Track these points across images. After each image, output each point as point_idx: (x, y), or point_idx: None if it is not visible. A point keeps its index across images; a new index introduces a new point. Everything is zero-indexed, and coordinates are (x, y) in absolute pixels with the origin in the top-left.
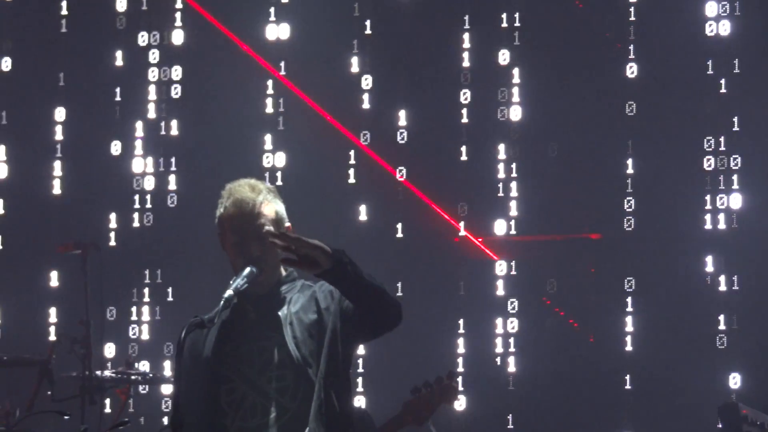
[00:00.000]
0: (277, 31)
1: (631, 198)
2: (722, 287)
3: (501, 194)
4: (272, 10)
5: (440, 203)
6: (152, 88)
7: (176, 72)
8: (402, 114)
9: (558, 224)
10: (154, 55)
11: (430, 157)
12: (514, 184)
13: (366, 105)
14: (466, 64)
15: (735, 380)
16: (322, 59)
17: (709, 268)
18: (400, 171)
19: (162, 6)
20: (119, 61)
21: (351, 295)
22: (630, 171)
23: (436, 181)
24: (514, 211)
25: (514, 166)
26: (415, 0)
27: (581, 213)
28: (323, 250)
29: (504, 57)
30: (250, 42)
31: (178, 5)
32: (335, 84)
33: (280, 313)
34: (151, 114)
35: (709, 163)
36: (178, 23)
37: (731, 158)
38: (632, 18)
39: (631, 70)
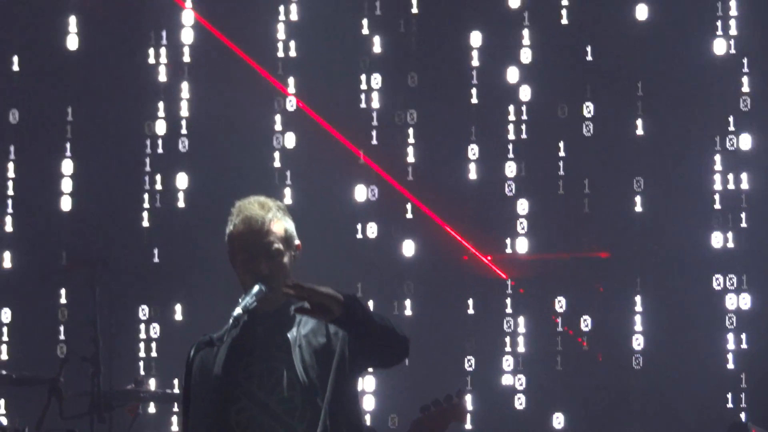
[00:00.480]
0: (286, 48)
1: (640, 215)
2: (731, 305)
3: (510, 212)
4: (281, 26)
5: (449, 221)
6: (161, 105)
7: (184, 88)
8: (410, 131)
9: (566, 243)
10: (161, 72)
11: (439, 174)
12: (522, 202)
13: (375, 122)
14: (474, 81)
15: (744, 400)
16: (330, 76)
17: (719, 286)
18: (410, 179)
19: (170, 22)
20: (127, 77)
21: (360, 338)
22: (639, 189)
23: (445, 199)
24: (522, 230)
25: (523, 184)
26: (423, 18)
27: (589, 231)
28: (336, 298)
29: (513, 75)
30: (259, 59)
31: (188, 21)
32: (343, 101)
33: (289, 335)
34: (160, 130)
35: (719, 181)
36: (187, 40)
37: (740, 176)
38: (641, 35)
39: (640, 90)
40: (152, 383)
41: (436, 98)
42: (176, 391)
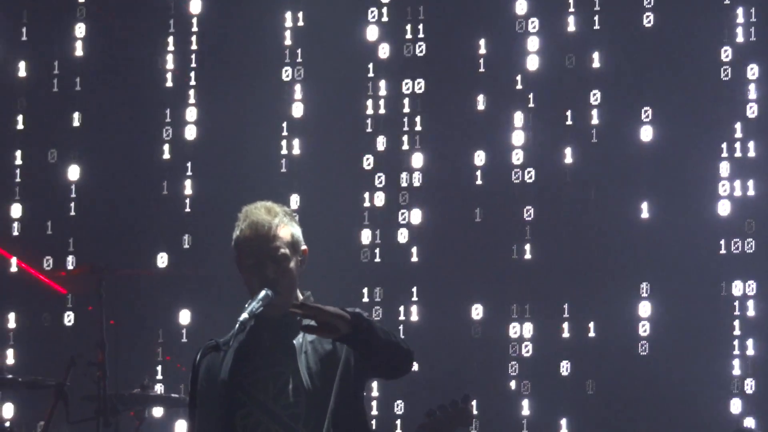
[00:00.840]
0: (293, 54)
1: (646, 221)
2: (738, 312)
3: (516, 218)
4: (288, 33)
5: (456, 227)
6: (167, 111)
7: (191, 94)
8: (417, 138)
9: (572, 248)
10: (168, 78)
11: (446, 180)
12: (529, 208)
13: (381, 128)
14: (481, 87)
15: (750, 406)
16: (337, 82)
17: (725, 292)
18: (417, 185)
19: (177, 29)
20: (134, 83)
21: (366, 355)
22: (645, 195)
23: (452, 204)
24: (528, 236)
25: (529, 190)
26: (429, 25)
27: (596, 237)
28: (342, 317)
29: (520, 81)
30: (266, 64)
31: (195, 27)
32: (350, 107)
33: (294, 341)
34: (167, 135)
35: (726, 188)
36: (194, 47)
37: (747, 183)
38: (648, 42)
39: (647, 96)
40: (158, 388)
41: (443, 104)
42: (183, 395)
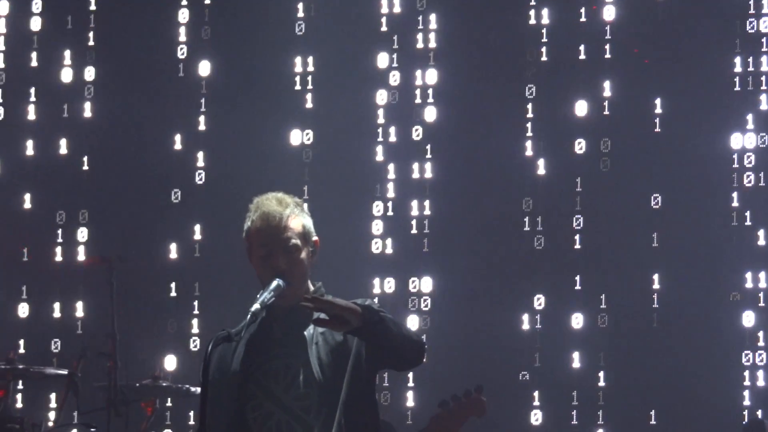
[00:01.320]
0: (306, 41)
1: (657, 212)
2: (750, 303)
3: (528, 208)
4: (300, 24)
5: (468, 218)
6: (177, 95)
7: (203, 104)
8: (430, 130)
9: (582, 241)
10: (180, 55)
11: (458, 171)
12: (539, 200)
13: (394, 119)
14: (491, 83)
15: (762, 396)
16: (349, 72)
17: (737, 282)
18: (429, 177)
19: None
20: (145, 71)
21: (377, 347)
22: (657, 186)
23: (464, 194)
24: (539, 227)
25: (540, 181)
26: (441, 17)
27: (605, 228)
28: (353, 310)
29: (529, 72)
30: (278, 54)
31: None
32: (363, 97)
33: (305, 332)
34: (178, 146)
35: (740, 174)
36: (206, 37)
37: (760, 175)
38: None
39: (658, 74)
40: (169, 378)
41: (454, 95)
42: (194, 386)
